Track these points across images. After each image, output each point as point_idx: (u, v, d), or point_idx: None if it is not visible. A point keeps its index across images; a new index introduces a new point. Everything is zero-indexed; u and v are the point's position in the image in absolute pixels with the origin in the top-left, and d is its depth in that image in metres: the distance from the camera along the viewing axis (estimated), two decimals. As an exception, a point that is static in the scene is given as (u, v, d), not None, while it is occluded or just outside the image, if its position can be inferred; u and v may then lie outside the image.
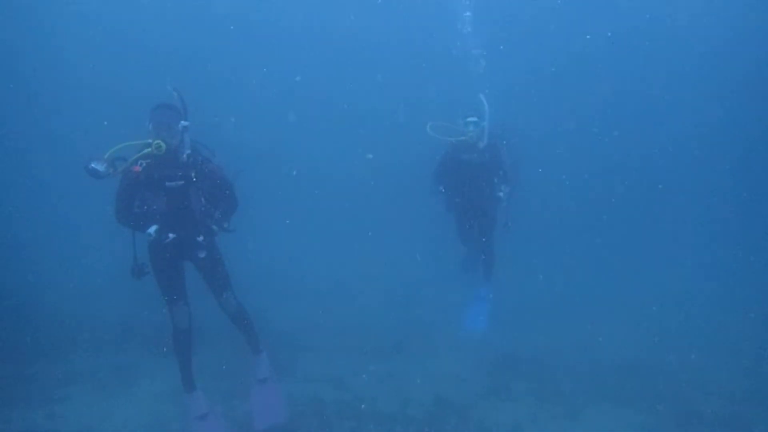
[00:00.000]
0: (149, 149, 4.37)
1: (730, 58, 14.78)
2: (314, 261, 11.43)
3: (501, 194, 7.00)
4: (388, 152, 14.17)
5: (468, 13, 11.55)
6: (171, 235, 4.60)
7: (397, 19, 16.49)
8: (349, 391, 6.34)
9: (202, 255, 4.85)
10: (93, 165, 4.21)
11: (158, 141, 4.36)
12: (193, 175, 4.62)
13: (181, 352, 5.07)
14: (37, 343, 7.19)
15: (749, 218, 13.06)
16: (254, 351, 5.49)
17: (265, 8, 16.87)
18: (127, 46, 15.83)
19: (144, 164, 4.51)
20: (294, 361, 7.02)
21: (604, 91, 15.28)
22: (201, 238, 4.78)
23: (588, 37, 14.74)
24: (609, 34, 14.54)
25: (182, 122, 4.55)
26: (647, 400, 6.17)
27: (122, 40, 15.91)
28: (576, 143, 14.53)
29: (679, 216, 13.48)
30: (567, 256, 11.09)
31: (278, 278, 10.34)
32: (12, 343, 7.06)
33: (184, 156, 4.60)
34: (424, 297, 9.81)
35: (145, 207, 4.67)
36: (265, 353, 5.55)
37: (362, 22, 16.58)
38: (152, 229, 4.58)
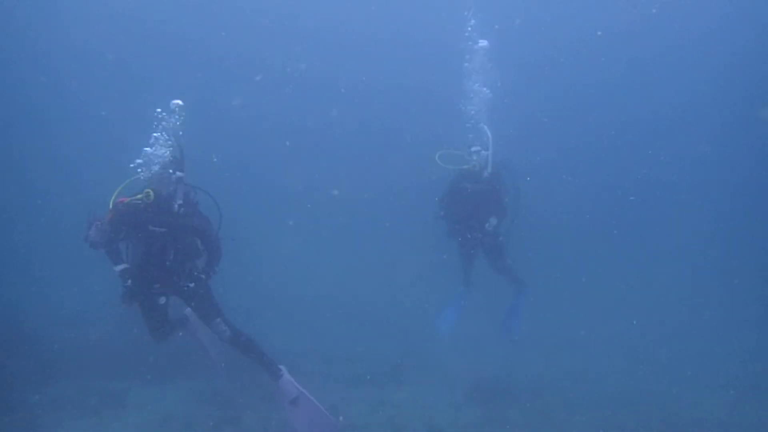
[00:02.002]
0: (140, 195, 4.59)
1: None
2: (307, 286, 11.37)
3: (487, 226, 7.02)
4: (387, 175, 14.13)
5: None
6: (129, 281, 4.72)
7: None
8: (343, 418, 6.25)
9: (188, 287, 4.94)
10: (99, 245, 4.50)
11: (148, 191, 4.58)
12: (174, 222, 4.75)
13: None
14: (25, 369, 7.07)
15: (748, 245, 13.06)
16: (273, 377, 5.27)
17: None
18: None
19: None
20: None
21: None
22: (163, 301, 4.92)
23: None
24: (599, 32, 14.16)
25: (177, 173, 4.71)
26: (641, 429, 6.11)
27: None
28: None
29: (674, 236, 13.49)
30: (562, 284, 11.04)
31: (271, 303, 10.26)
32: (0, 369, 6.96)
33: (175, 206, 4.72)
34: (418, 324, 9.74)
35: (127, 244, 4.84)
36: (285, 371, 5.31)
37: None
38: (119, 267, 4.71)
